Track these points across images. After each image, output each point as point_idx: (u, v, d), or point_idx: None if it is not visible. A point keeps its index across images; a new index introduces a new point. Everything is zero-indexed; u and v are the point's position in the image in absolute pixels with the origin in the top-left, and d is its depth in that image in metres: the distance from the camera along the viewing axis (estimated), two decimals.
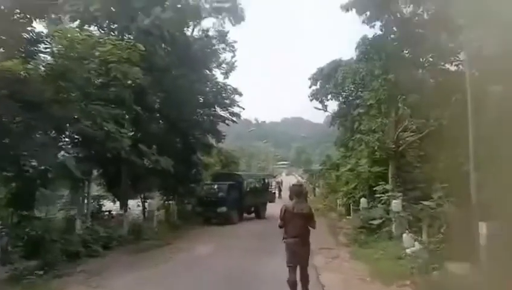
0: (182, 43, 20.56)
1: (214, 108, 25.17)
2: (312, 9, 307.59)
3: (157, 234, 15.51)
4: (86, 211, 14.67)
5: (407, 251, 10.36)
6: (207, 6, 29.25)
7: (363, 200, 18.38)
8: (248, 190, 22.35)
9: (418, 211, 11.08)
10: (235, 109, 26.45)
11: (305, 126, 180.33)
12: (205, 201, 20.10)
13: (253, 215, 22.87)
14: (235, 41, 28.08)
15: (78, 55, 11.25)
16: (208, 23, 38.46)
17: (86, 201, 15.14)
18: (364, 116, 17.29)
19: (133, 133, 18.78)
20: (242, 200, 21.05)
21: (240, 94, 26.38)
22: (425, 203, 10.01)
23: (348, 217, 21.36)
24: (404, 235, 10.97)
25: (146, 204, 20.65)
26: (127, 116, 16.37)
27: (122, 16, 17.84)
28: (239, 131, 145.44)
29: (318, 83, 29.22)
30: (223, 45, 30.24)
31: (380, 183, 17.21)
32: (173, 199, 22.97)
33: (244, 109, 26.17)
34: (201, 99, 24.00)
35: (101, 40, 13.27)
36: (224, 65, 29.86)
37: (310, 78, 29.11)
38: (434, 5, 13.59)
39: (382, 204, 17.21)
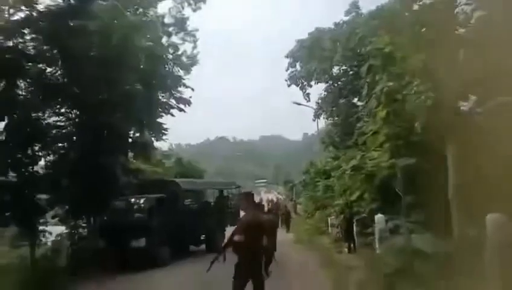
0: None
1: (153, 89, 17.52)
2: None
3: None
4: None
5: None
6: None
7: (379, 217, 10.93)
8: (192, 207, 14.19)
9: None
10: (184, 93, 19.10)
11: (283, 144, 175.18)
12: (111, 228, 11.54)
13: (203, 247, 14.49)
14: (196, 30, 22.41)
15: None
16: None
17: None
18: (380, 72, 9.93)
19: None
20: (181, 224, 12.52)
21: (187, 69, 19.05)
22: None
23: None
24: None
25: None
26: None
27: None
28: (216, 150, 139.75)
29: (297, 64, 21.96)
30: (181, 34, 24.37)
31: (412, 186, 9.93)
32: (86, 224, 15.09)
33: (193, 89, 18.66)
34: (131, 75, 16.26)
35: None
36: (184, 58, 23.24)
37: (287, 56, 21.79)
38: None
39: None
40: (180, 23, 24.61)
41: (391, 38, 10.45)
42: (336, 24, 19.26)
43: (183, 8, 24.36)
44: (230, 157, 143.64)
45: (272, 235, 8.82)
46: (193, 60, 24.09)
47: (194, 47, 22.25)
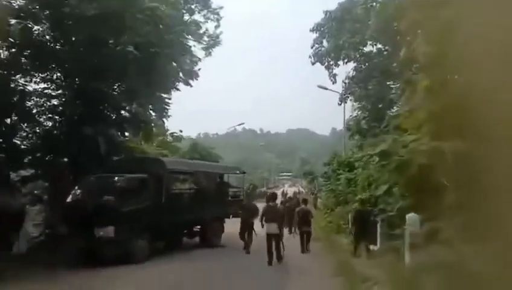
0: None
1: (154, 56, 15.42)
2: None
3: None
4: None
5: None
6: None
7: (411, 217, 8.54)
8: (180, 191, 11.78)
9: None
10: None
11: (310, 137, 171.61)
12: (75, 212, 9.40)
13: (197, 239, 12.45)
14: (221, 7, 20.67)
15: None
16: None
17: None
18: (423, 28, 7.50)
19: None
20: (164, 211, 10.28)
21: (209, 49, 17.12)
22: None
23: (371, 245, 11.47)
24: None
25: None
26: None
27: None
28: (242, 141, 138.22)
29: (324, 40, 19.45)
30: (204, 12, 22.54)
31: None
32: None
33: (200, 59, 16.55)
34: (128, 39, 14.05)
35: None
36: (205, 38, 21.39)
37: (312, 30, 19.27)
38: None
39: None
40: (204, 0, 22.76)
41: None
42: None
43: None
44: (256, 148, 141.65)
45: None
46: (215, 41, 22.16)
47: (217, 26, 20.37)
